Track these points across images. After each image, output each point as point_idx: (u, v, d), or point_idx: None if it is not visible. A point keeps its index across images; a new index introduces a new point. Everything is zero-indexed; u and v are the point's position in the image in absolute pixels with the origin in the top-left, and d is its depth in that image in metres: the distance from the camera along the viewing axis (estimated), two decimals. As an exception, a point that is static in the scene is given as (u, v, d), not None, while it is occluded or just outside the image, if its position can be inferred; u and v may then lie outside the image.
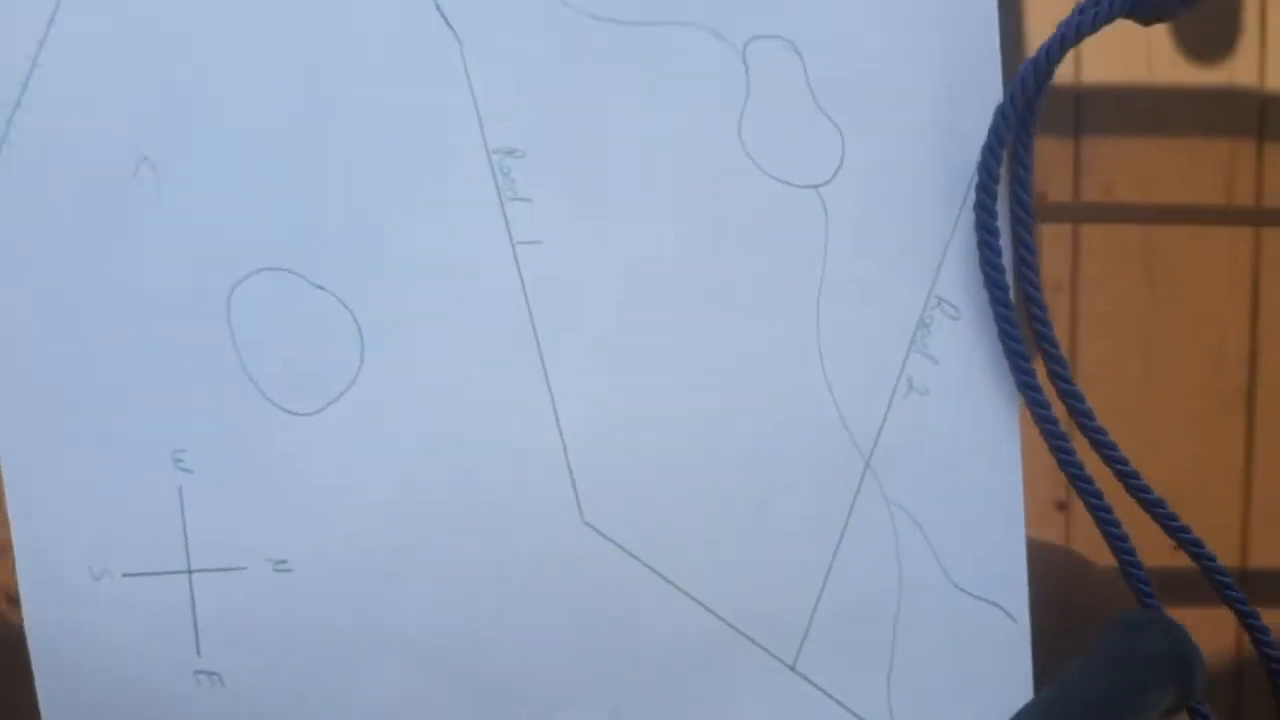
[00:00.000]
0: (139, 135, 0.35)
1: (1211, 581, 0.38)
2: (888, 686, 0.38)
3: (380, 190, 0.35)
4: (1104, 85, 0.33)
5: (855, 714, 0.38)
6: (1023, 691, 0.38)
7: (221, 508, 0.35)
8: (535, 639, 0.36)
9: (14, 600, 0.36)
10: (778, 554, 0.37)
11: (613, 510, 0.36)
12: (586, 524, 0.36)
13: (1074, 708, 0.34)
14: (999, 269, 0.38)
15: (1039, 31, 0.37)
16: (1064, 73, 0.36)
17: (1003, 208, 0.38)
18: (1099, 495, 0.38)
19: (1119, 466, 0.38)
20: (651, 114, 0.36)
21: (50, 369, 0.35)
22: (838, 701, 0.37)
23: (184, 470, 0.35)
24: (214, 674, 0.36)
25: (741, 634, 0.37)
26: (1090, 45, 0.38)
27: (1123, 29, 0.38)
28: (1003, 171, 0.37)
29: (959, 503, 0.38)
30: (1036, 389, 0.38)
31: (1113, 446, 0.38)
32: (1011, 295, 0.38)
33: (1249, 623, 0.38)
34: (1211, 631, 0.36)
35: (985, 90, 0.38)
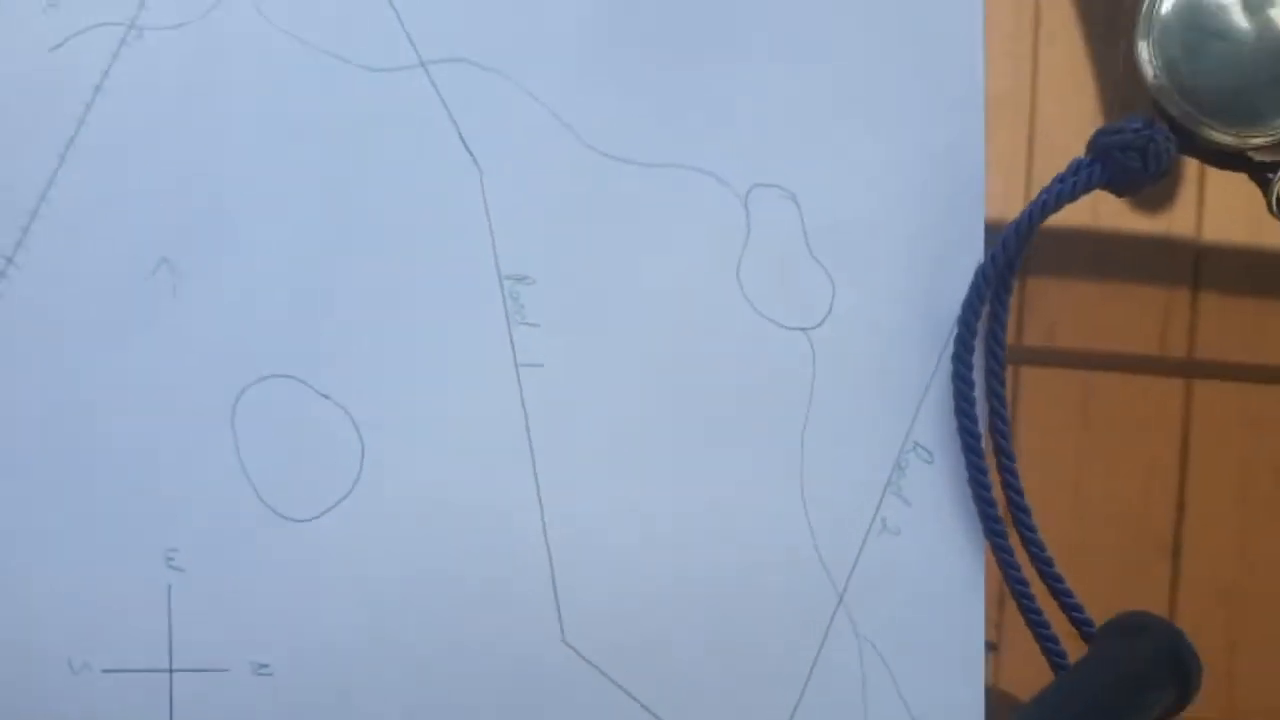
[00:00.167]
0: (160, 236, 0.35)
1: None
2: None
3: (391, 305, 0.36)
4: (1050, 226, 0.34)
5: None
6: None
7: (209, 609, 0.35)
8: (510, 754, 0.36)
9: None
10: (750, 684, 0.37)
11: (593, 632, 0.36)
12: (566, 644, 0.36)
13: (1072, 708, 0.34)
14: (972, 418, 0.39)
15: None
16: (1013, 206, 0.38)
17: (978, 359, 0.39)
18: (1063, 655, 0.39)
19: (1075, 613, 0.39)
20: (656, 251, 0.37)
21: (50, 457, 0.35)
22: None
23: (175, 569, 0.35)
24: (187, 774, 0.35)
25: (711, 761, 0.37)
26: (1041, 179, 0.39)
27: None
28: (980, 326, 0.39)
29: (925, 642, 0.38)
30: (1002, 535, 0.39)
31: (1071, 596, 0.39)
32: (982, 443, 0.39)
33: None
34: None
35: (968, 246, 0.39)
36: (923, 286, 0.39)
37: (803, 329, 0.38)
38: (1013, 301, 0.39)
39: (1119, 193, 0.39)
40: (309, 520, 0.36)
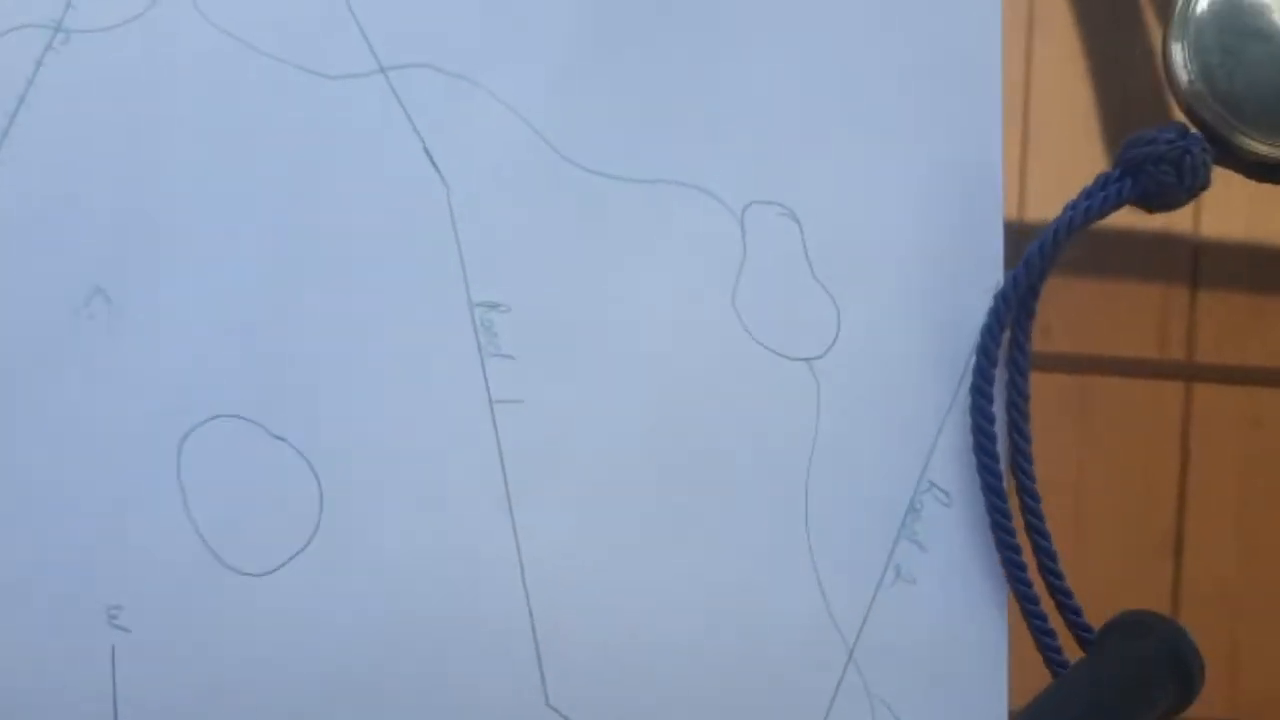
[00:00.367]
0: (93, 263, 0.34)
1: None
2: None
3: (352, 338, 0.35)
4: (1046, 223, 0.35)
5: None
6: None
7: (156, 672, 0.34)
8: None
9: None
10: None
11: (580, 695, 0.35)
12: (551, 707, 0.35)
13: (1074, 708, 0.34)
14: (993, 456, 0.37)
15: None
16: (1008, 209, 0.39)
17: (998, 391, 0.38)
18: (1059, 652, 0.37)
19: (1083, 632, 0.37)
20: (643, 275, 0.36)
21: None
22: None
23: (118, 628, 0.34)
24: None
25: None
26: (1036, 181, 0.39)
27: (1072, 167, 0.39)
28: (1000, 353, 0.37)
29: (944, 700, 0.37)
30: (1027, 583, 0.37)
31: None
32: (1004, 483, 0.37)
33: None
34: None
35: (986, 267, 0.38)
36: (937, 311, 0.38)
37: (805, 359, 0.37)
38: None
39: (1151, 208, 0.38)
40: (263, 574, 0.34)
